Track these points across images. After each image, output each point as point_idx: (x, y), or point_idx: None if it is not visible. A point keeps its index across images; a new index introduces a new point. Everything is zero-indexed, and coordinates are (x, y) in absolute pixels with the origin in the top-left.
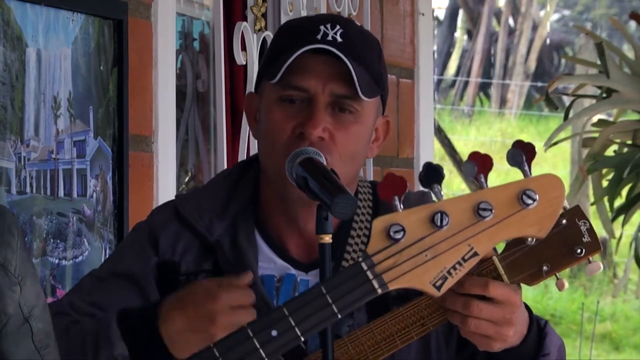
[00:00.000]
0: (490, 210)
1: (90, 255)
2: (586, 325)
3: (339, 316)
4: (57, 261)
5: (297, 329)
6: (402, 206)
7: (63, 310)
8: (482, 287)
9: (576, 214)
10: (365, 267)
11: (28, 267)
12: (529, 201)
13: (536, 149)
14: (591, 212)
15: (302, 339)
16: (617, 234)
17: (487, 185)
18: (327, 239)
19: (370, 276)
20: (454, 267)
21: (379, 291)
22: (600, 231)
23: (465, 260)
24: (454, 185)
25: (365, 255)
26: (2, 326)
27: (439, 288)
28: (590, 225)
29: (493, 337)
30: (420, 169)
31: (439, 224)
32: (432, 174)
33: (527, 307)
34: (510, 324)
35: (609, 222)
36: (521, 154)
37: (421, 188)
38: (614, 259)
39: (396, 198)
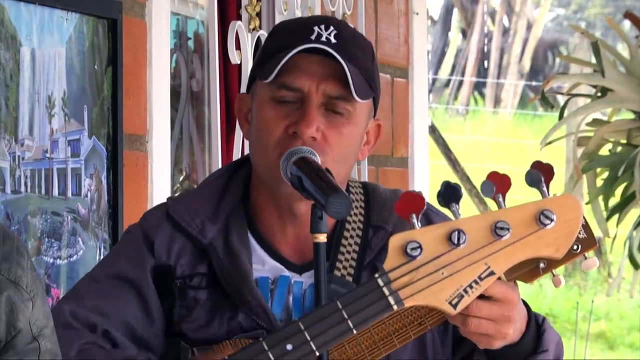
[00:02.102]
0: (508, 229)
1: (85, 254)
2: (581, 324)
3: (355, 332)
4: (52, 260)
5: (312, 344)
6: (419, 224)
7: (67, 322)
8: None
9: None
10: (382, 284)
11: (39, 287)
12: (547, 222)
13: (554, 171)
14: (586, 211)
15: (317, 353)
16: (612, 234)
17: (505, 206)
18: (322, 238)
19: (387, 293)
20: (470, 286)
21: (395, 308)
22: (595, 231)
23: (482, 279)
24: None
25: (383, 272)
26: (11, 338)
27: (455, 306)
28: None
29: (493, 335)
30: (415, 168)
31: (456, 242)
32: (451, 193)
33: (525, 304)
34: (509, 322)
35: (604, 221)
36: (540, 175)
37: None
38: (609, 258)
39: (414, 216)
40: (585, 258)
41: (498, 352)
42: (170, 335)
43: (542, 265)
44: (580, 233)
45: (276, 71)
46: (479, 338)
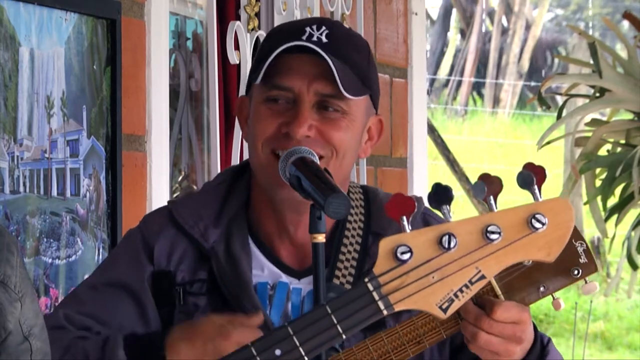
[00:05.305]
0: (499, 233)
1: (84, 254)
2: (579, 324)
3: (344, 337)
4: (50, 260)
5: (301, 349)
6: (410, 227)
7: (60, 324)
8: (490, 309)
9: (573, 234)
10: (371, 288)
11: (27, 285)
12: (538, 225)
13: (546, 172)
14: (584, 211)
15: (306, 358)
16: (611, 234)
17: (496, 208)
18: (321, 238)
19: (377, 297)
20: (460, 290)
21: (385, 312)
22: (594, 231)
23: (473, 283)
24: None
25: (372, 276)
26: (2, 340)
27: (445, 310)
28: (587, 246)
29: (501, 353)
30: (413, 168)
31: (446, 245)
32: (441, 195)
33: (532, 324)
34: (519, 342)
35: (602, 221)
36: (532, 176)
37: (424, 200)
38: (608, 259)
39: (404, 218)
40: (586, 282)
41: None
42: None
43: (542, 288)
44: (580, 257)
45: (263, 70)
46: (487, 354)
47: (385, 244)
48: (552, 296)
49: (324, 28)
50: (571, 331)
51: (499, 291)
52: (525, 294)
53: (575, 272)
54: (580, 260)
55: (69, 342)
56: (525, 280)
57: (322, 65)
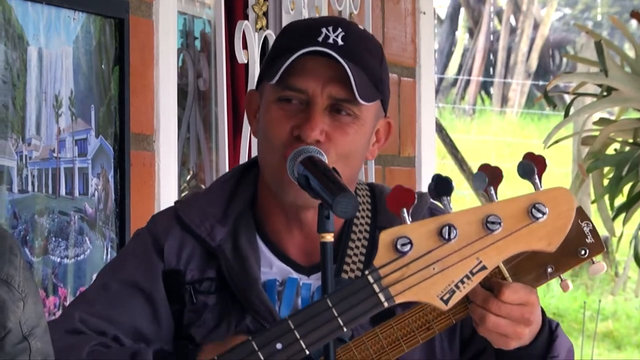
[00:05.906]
0: (499, 223)
1: (92, 253)
2: (588, 324)
3: (345, 329)
4: (58, 260)
5: (302, 342)
6: (410, 219)
7: (76, 327)
8: (498, 291)
9: (579, 215)
10: (371, 280)
11: (31, 286)
12: (539, 215)
13: (547, 162)
14: (592, 210)
15: (307, 352)
16: (618, 233)
17: (496, 198)
18: (329, 237)
19: (377, 289)
20: (461, 281)
21: (385, 304)
22: (601, 230)
23: (474, 273)
24: (455, 184)
25: (372, 268)
26: (1, 338)
27: (446, 302)
28: (593, 226)
29: (510, 335)
30: (422, 167)
31: (446, 237)
32: (442, 186)
33: (540, 308)
34: (527, 324)
35: (610, 220)
36: (532, 166)
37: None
38: (616, 258)
39: (404, 210)
40: (593, 262)
41: (508, 354)
42: (179, 338)
43: (549, 269)
44: (587, 237)
45: (280, 72)
46: (496, 337)
47: (385, 236)
48: (560, 277)
49: (340, 30)
50: (579, 330)
51: (506, 273)
52: (533, 276)
53: (582, 252)
54: (587, 240)
55: (91, 348)
56: (532, 262)
57: (337, 69)
